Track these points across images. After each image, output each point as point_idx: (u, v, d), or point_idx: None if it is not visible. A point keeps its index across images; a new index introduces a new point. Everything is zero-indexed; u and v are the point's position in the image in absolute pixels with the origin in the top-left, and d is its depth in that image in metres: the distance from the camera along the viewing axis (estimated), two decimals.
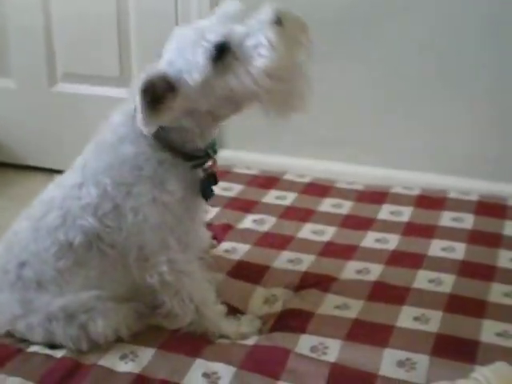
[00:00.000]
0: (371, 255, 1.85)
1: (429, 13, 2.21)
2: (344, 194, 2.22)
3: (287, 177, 2.35)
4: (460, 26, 2.19)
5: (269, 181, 2.31)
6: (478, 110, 2.25)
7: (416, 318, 1.57)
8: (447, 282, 1.71)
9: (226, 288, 1.65)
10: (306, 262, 1.83)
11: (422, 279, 1.73)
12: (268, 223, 2.03)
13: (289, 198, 2.19)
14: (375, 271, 1.77)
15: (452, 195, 2.18)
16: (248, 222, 2.04)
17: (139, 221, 1.47)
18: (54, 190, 1.55)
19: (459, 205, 2.12)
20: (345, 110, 2.36)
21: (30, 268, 1.50)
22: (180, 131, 1.46)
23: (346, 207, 2.13)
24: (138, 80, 1.34)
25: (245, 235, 1.96)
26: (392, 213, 2.09)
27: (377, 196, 2.19)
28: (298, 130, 2.41)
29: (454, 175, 2.28)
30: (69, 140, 2.51)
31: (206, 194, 1.54)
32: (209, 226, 1.95)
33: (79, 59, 2.67)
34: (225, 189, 2.25)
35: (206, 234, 1.89)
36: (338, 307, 1.62)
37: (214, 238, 1.93)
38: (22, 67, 2.71)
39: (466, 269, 1.78)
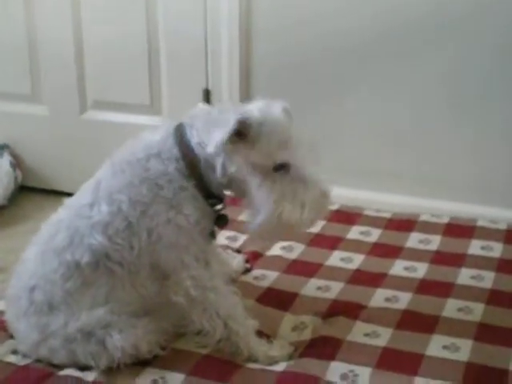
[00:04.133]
0: (400, 283, 1.85)
1: (449, 47, 2.22)
2: (372, 221, 2.23)
3: None
4: (477, 59, 2.20)
5: None
6: (510, 139, 2.25)
7: (445, 347, 1.57)
8: (476, 311, 1.71)
9: (255, 314, 1.64)
10: (334, 289, 1.83)
11: (452, 308, 1.73)
12: (296, 250, 2.04)
13: (317, 225, 2.19)
14: (404, 299, 1.77)
15: (480, 223, 2.18)
16: (277, 249, 2.05)
17: (153, 241, 1.50)
18: (61, 213, 1.58)
19: (488, 233, 2.12)
20: (373, 138, 2.37)
21: (39, 291, 1.52)
22: (212, 171, 1.50)
23: (374, 235, 2.14)
24: (240, 110, 1.45)
25: (274, 262, 1.97)
26: (421, 241, 2.09)
27: (405, 224, 2.20)
28: (327, 158, 2.41)
29: (482, 204, 2.28)
30: (98, 166, 2.53)
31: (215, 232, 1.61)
32: (239, 252, 1.97)
33: (110, 87, 2.70)
34: None
35: (240, 259, 1.93)
36: (367, 335, 1.63)
37: (247, 261, 1.95)
38: (54, 94, 2.74)
39: (494, 297, 1.77)
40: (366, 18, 2.26)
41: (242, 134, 1.44)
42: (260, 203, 1.46)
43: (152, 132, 1.55)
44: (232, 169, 1.46)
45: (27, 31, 2.70)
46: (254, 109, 1.48)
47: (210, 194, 1.53)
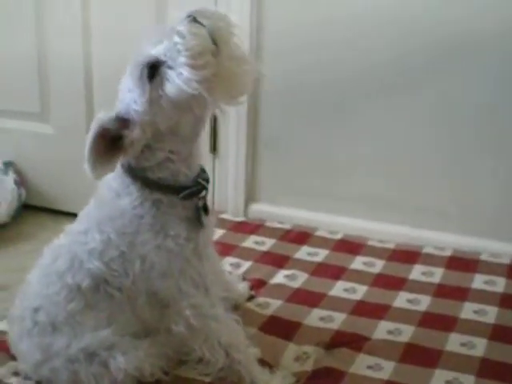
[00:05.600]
0: (403, 316, 1.85)
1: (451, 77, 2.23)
2: (376, 252, 2.23)
3: (319, 233, 2.36)
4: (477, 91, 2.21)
5: (301, 236, 2.33)
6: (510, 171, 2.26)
7: (448, 382, 1.57)
8: (479, 346, 1.71)
9: (257, 343, 1.64)
10: (337, 320, 1.83)
11: (454, 342, 1.73)
12: (300, 279, 2.04)
13: (321, 255, 2.20)
14: (407, 332, 1.77)
15: (483, 257, 2.18)
16: (280, 277, 2.05)
17: (147, 268, 1.50)
18: (61, 238, 1.60)
19: (491, 267, 2.12)
20: (377, 169, 2.38)
21: (43, 312, 1.53)
22: (163, 166, 1.49)
23: (377, 266, 2.14)
24: (91, 129, 1.41)
25: (277, 290, 1.97)
26: (424, 273, 2.09)
27: (408, 255, 2.20)
28: (331, 187, 2.43)
29: (485, 237, 2.28)
30: None
31: (200, 222, 1.54)
32: (243, 279, 1.98)
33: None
34: (257, 242, 2.27)
35: (245, 285, 1.94)
36: (370, 367, 1.62)
37: (251, 288, 1.95)
38: (62, 113, 2.75)
39: (498, 333, 1.77)
40: (376, 46, 2.27)
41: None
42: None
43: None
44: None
45: (38, 50, 2.71)
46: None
47: (181, 189, 1.51)
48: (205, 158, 2.45)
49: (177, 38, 1.35)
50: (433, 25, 2.19)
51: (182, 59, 1.34)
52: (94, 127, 1.41)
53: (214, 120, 2.51)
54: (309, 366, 1.64)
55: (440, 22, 2.18)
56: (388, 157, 2.36)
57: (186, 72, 1.33)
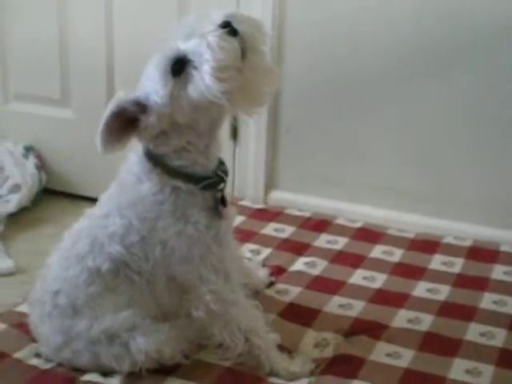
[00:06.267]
0: (422, 305, 1.85)
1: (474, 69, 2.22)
2: (395, 241, 2.22)
3: (339, 221, 2.36)
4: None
5: (320, 224, 2.33)
6: None
7: (468, 371, 1.57)
8: (499, 336, 1.71)
9: (277, 329, 1.65)
10: (356, 307, 1.83)
11: (474, 332, 1.72)
12: (319, 267, 2.04)
13: (340, 243, 2.20)
14: (426, 321, 1.77)
15: (504, 248, 2.17)
16: (300, 264, 2.05)
17: (167, 253, 1.51)
18: (82, 222, 1.61)
19: (511, 258, 2.11)
20: (398, 158, 2.37)
21: (63, 295, 1.54)
22: (181, 155, 1.50)
23: (397, 255, 2.13)
24: (108, 106, 1.43)
25: (296, 277, 1.97)
26: (443, 263, 2.08)
27: (428, 245, 2.19)
28: (351, 175, 2.43)
29: (505, 228, 2.27)
30: None
31: (218, 213, 1.55)
32: (263, 266, 1.98)
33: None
34: (277, 230, 2.27)
35: (265, 272, 1.94)
36: (389, 355, 1.62)
37: (271, 275, 1.96)
38: (82, 98, 2.76)
39: None
40: (401, 36, 2.27)
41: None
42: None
43: (132, 152, 1.57)
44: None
45: (60, 34, 2.72)
46: None
47: (199, 179, 1.52)
48: (225, 145, 2.47)
49: (204, 46, 1.36)
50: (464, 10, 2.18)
51: (207, 68, 1.35)
52: (111, 104, 1.43)
53: None
54: (328, 353, 1.64)
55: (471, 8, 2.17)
56: (410, 146, 2.36)
57: (209, 80, 1.35)
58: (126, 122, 1.45)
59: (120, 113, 1.44)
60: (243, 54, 1.38)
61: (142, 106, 1.44)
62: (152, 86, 1.43)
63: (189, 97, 1.40)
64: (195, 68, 1.38)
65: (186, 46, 1.40)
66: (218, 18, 1.39)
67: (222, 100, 1.36)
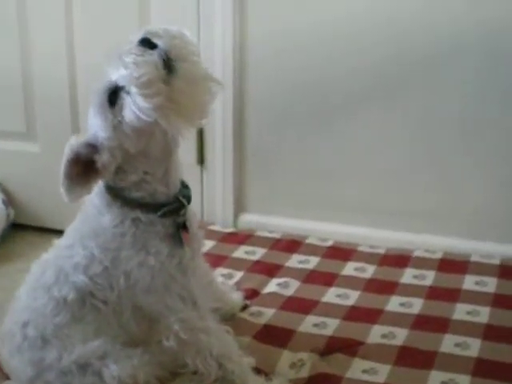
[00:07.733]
0: (396, 319, 1.85)
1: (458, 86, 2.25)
2: (366, 257, 2.23)
3: (309, 241, 2.36)
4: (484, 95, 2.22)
5: (291, 244, 2.33)
6: (502, 173, 2.26)
7: (444, 383, 1.57)
8: (474, 346, 1.71)
9: (252, 352, 1.64)
10: (331, 326, 1.83)
11: (449, 343, 1.73)
12: (292, 287, 2.04)
13: (312, 262, 2.20)
14: (401, 335, 1.77)
15: (474, 259, 2.19)
16: (272, 285, 2.05)
17: (131, 284, 1.51)
18: (49, 253, 1.61)
19: (482, 268, 2.12)
20: (366, 175, 2.39)
21: (32, 326, 1.53)
22: (140, 186, 1.50)
23: (369, 271, 2.14)
24: (64, 154, 1.43)
25: (270, 299, 1.97)
26: (415, 276, 2.09)
27: (399, 260, 2.20)
28: (319, 194, 2.44)
29: (475, 239, 2.29)
30: None
31: (179, 239, 1.54)
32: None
33: None
34: (248, 252, 2.27)
35: (239, 295, 1.94)
36: (365, 371, 1.62)
37: (245, 298, 1.95)
38: (48, 131, 2.74)
39: (491, 332, 1.78)
40: (366, 52, 2.29)
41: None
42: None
43: None
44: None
45: (22, 69, 2.71)
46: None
47: (159, 207, 1.52)
48: (192, 170, 2.47)
49: (123, 71, 1.35)
50: (430, 23, 2.20)
51: (133, 89, 1.34)
52: (66, 153, 1.43)
53: (201, 132, 2.51)
54: (305, 373, 1.63)
55: (436, 23, 2.19)
56: (374, 163, 2.37)
57: (138, 100, 1.34)
58: (84, 166, 1.44)
59: (76, 159, 1.43)
60: (169, 65, 1.36)
61: (93, 147, 1.44)
62: (96, 123, 1.43)
63: (128, 123, 1.38)
64: (127, 93, 1.36)
65: (115, 75, 1.39)
66: (137, 37, 1.38)
67: (153, 117, 1.34)
